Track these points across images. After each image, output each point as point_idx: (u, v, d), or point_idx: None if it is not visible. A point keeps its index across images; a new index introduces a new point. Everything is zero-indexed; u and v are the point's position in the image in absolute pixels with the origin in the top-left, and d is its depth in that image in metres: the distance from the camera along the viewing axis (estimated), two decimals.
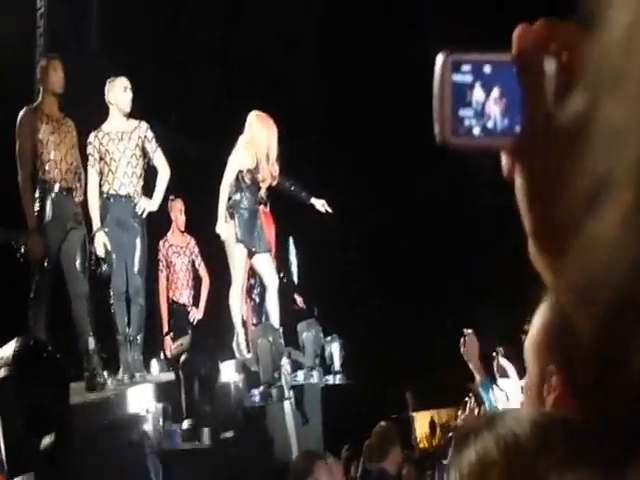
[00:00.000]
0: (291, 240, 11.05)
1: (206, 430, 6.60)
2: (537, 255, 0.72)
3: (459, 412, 9.09)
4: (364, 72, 13.69)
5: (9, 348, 4.40)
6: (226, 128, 10.97)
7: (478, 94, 0.88)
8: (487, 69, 0.89)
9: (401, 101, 12.09)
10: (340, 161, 13.77)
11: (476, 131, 0.87)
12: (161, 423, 6.31)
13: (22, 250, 6.78)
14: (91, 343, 6.68)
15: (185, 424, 6.47)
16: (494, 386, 5.58)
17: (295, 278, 11.03)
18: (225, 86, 12.61)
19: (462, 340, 5.46)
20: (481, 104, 0.88)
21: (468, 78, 0.89)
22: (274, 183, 8.74)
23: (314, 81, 13.43)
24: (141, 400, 6.48)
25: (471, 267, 13.79)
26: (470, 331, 5.52)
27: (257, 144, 8.60)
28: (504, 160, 0.88)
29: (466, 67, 0.89)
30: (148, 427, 6.12)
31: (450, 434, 9.15)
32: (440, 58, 0.88)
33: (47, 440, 4.30)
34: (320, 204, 9.20)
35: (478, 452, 1.06)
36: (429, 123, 0.86)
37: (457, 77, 0.88)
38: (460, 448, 1.09)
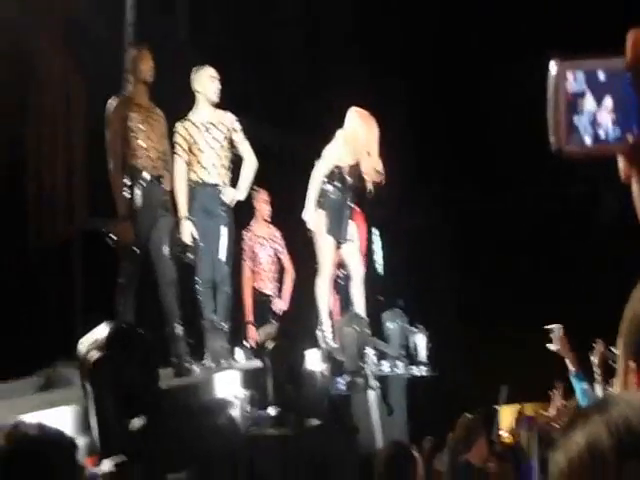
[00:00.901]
0: (375, 231, 11.04)
1: (291, 417, 6.61)
2: None
3: (549, 408, 9.02)
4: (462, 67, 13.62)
5: (101, 331, 4.45)
6: (311, 120, 11.03)
7: (590, 103, 0.88)
8: (601, 76, 0.88)
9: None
10: (431, 151, 13.72)
11: (588, 140, 0.88)
12: (248, 409, 6.35)
13: (112, 237, 6.87)
14: (178, 329, 6.77)
15: (271, 411, 6.49)
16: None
17: (380, 269, 11.04)
18: (312, 77, 12.63)
19: (551, 333, 5.46)
20: (593, 113, 0.88)
21: (581, 86, 0.88)
22: (379, 179, 8.70)
23: (403, 74, 13.37)
24: (227, 386, 6.54)
25: (566, 258, 13.66)
26: (556, 325, 5.52)
27: (357, 140, 8.60)
28: (621, 165, 0.86)
29: (580, 75, 0.88)
30: (235, 412, 6.17)
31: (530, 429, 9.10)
32: (553, 66, 0.89)
33: (138, 422, 4.34)
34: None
35: (587, 437, 1.02)
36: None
37: (571, 86, 0.88)
38: (568, 432, 1.04)
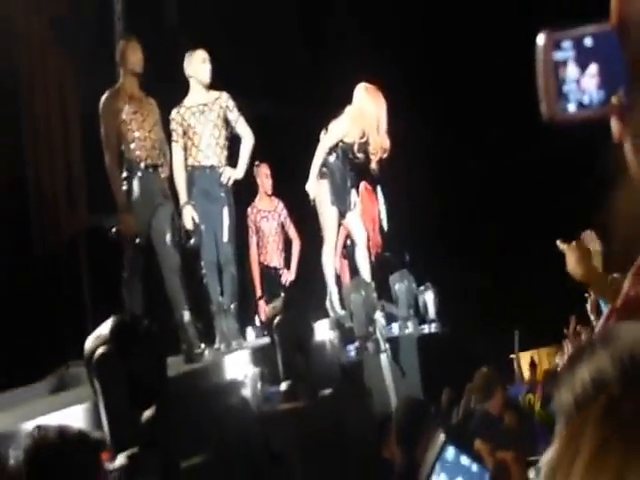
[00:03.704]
0: (379, 189, 11.08)
1: (304, 389, 6.72)
2: None
3: (558, 354, 9.11)
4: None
5: (106, 326, 4.56)
6: (312, 90, 11.10)
7: (576, 70, 0.91)
8: (587, 42, 0.90)
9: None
10: (435, 109, 13.74)
11: (574, 107, 0.90)
12: (259, 387, 6.48)
13: (114, 230, 7.00)
14: (186, 315, 6.84)
15: (283, 385, 6.61)
16: None
17: (384, 226, 11.09)
18: (307, 50, 12.66)
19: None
20: (579, 79, 0.90)
21: (568, 54, 0.91)
22: (385, 156, 8.81)
23: (404, 46, 13.34)
24: (238, 366, 6.65)
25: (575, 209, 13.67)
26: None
27: (366, 117, 8.69)
28: (613, 126, 0.93)
29: (567, 44, 0.91)
30: (246, 392, 6.30)
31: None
32: (541, 36, 0.91)
33: (148, 413, 4.46)
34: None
35: (592, 371, 0.98)
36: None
37: (558, 54, 0.91)
38: (572, 367, 1.01)
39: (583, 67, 0.92)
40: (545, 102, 0.91)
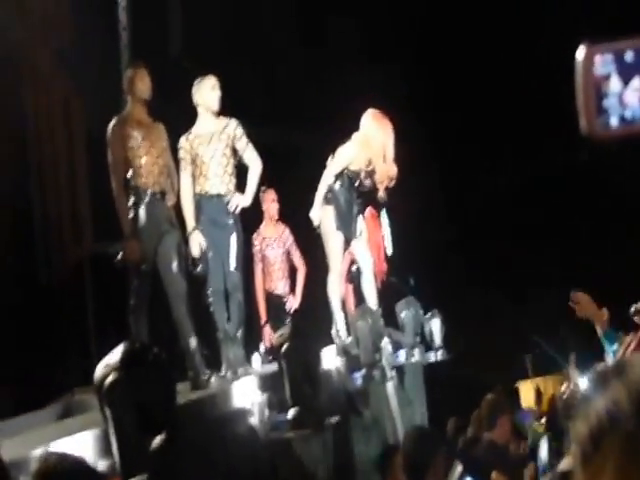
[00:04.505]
0: (384, 214, 11.05)
1: (312, 417, 6.71)
2: None
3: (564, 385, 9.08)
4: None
5: (116, 353, 4.56)
6: (319, 116, 11.13)
7: (618, 84, 0.88)
8: (629, 57, 0.87)
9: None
10: (442, 136, 13.75)
11: (616, 122, 0.88)
12: (266, 414, 6.47)
13: (119, 257, 7.00)
14: (193, 343, 6.84)
15: (291, 413, 6.60)
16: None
17: (389, 251, 11.07)
18: (313, 77, 12.69)
19: (571, 297, 5.33)
20: (620, 94, 0.88)
21: (609, 69, 0.88)
22: (392, 184, 8.80)
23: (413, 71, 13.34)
24: (245, 394, 6.63)
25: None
26: (578, 293, 5.36)
27: (372, 144, 8.65)
28: None
29: (607, 58, 0.88)
30: (254, 419, 6.28)
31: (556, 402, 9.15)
32: (581, 50, 0.89)
33: (157, 440, 4.44)
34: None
35: (607, 402, 0.99)
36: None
37: (599, 69, 0.88)
38: (587, 398, 1.02)
39: (626, 81, 0.89)
40: (585, 117, 0.89)
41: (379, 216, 10.18)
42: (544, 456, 7.40)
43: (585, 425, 0.99)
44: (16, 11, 8.51)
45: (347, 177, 8.70)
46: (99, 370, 4.43)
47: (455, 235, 14.09)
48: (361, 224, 9.05)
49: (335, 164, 8.70)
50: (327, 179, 8.67)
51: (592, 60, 0.89)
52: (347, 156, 8.70)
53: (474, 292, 13.52)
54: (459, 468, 2.72)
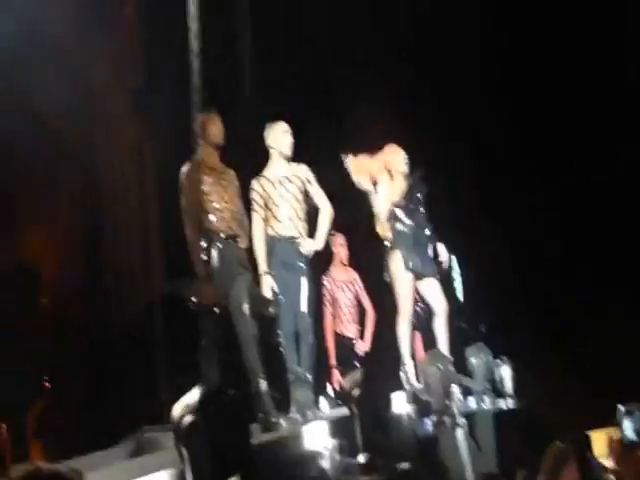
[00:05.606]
0: (454, 259, 10.94)
1: (383, 463, 6.68)
2: None
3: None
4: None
5: (192, 395, 4.60)
6: None
7: None
8: None
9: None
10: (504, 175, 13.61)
11: None
12: (337, 458, 6.45)
13: (193, 300, 7.05)
14: (263, 385, 6.89)
15: (362, 458, 6.57)
16: None
17: (460, 297, 10.98)
18: (383, 122, 12.66)
19: None
20: None
21: None
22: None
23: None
24: (316, 437, 6.63)
25: None
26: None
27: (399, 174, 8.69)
28: None
29: None
30: (325, 463, 6.27)
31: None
32: None
33: None
34: None
35: None
36: None
37: None
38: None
39: None
40: None
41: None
42: None
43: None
44: (96, 57, 8.68)
45: (398, 214, 8.62)
46: (176, 410, 4.46)
47: (528, 281, 13.89)
48: (432, 261, 8.83)
49: (380, 210, 8.61)
50: (383, 226, 8.58)
51: None
52: (385, 196, 8.64)
53: (545, 339, 13.34)
54: None
